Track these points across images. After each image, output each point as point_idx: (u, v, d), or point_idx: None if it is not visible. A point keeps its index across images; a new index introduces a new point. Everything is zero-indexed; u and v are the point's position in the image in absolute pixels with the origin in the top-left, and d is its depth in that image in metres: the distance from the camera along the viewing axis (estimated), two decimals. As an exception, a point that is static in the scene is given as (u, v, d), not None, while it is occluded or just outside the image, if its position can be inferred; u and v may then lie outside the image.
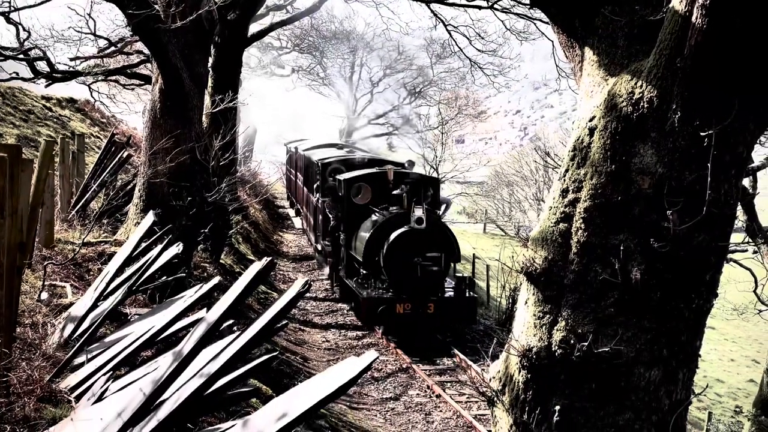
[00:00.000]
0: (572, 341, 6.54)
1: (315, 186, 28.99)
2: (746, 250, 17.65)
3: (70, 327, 9.15)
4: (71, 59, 24.65)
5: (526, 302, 7.10)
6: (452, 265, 22.32)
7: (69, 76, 23.10)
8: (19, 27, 19.22)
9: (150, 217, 10.39)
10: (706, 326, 6.74)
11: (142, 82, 27.79)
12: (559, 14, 7.35)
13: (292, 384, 13.47)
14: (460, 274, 23.15)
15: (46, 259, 12.37)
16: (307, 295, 25.28)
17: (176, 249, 9.81)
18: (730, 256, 12.21)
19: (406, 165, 26.18)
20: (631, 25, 6.68)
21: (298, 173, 40.05)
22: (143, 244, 10.45)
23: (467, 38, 32.30)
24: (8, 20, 17.84)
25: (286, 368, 16.21)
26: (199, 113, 17.22)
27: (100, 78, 26.17)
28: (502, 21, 27.86)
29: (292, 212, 46.93)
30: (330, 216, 25.50)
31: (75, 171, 17.79)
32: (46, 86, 22.97)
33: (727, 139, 5.93)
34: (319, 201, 27.78)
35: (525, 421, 6.86)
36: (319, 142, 40.23)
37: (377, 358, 5.56)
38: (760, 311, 20.95)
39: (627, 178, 6.28)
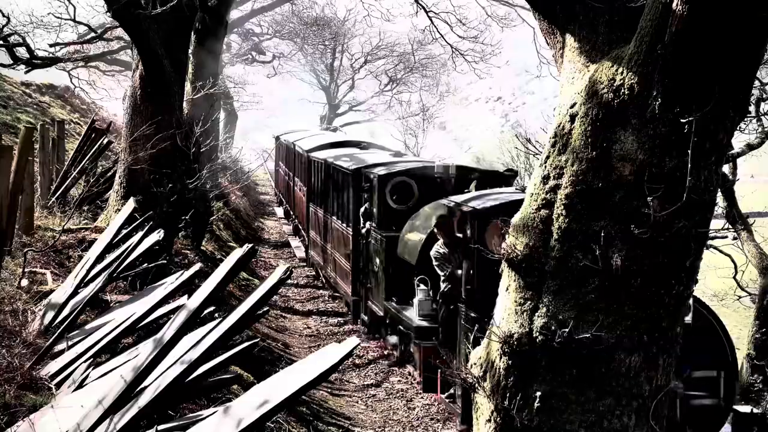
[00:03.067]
0: (553, 327, 6.56)
1: (362, 211, 20.17)
2: (726, 237, 17.64)
3: (50, 314, 9.13)
4: (51, 45, 24.58)
5: (507, 289, 7.11)
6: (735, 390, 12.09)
7: (49, 62, 22.97)
8: (-2, 13, 19.12)
9: (130, 204, 10.37)
10: (686, 312, 6.78)
11: (123, 69, 27.70)
12: (540, 1, 7.35)
13: (273, 371, 13.45)
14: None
15: (26, 245, 12.31)
16: (289, 281, 25.19)
17: (157, 236, 9.81)
18: (710, 242, 12.20)
19: (507, 174, 18.18)
20: (611, 12, 6.68)
21: (297, 179, 32.15)
22: (124, 231, 10.42)
23: (448, 24, 32.30)
24: (-13, 6, 17.74)
25: (267, 355, 16.19)
26: (180, 100, 17.14)
27: (80, 64, 26.09)
28: (484, 7, 27.85)
29: (275, 204, 46.69)
30: (438, 267, 14.38)
31: (55, 158, 17.68)
32: (26, 72, 22.85)
33: (708, 126, 5.94)
34: (377, 235, 18.80)
35: (506, 407, 6.88)
36: (326, 139, 30.79)
37: (358, 344, 5.57)
38: (740, 297, 21.05)
39: (608, 165, 6.29)
